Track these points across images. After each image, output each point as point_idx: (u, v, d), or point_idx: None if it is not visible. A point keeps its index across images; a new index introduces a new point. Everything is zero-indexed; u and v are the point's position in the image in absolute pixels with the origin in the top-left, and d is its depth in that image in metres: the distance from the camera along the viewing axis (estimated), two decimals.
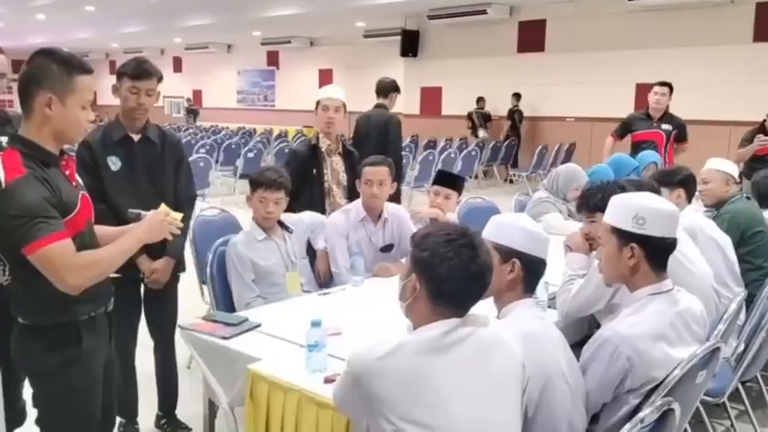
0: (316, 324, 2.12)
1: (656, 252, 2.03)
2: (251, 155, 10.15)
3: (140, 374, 3.18)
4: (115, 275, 3.02)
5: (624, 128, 6.21)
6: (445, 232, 1.68)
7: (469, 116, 14.01)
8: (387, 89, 6.14)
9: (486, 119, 13.87)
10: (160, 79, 2.96)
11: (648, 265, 2.03)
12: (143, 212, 2.19)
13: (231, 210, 4.36)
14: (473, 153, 11.35)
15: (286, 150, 8.88)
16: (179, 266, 3.13)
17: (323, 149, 3.84)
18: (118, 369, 2.43)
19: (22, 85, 1.96)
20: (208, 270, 3.21)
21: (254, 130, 16.72)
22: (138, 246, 2.12)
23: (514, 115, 13.52)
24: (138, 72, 2.87)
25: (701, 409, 2.77)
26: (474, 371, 1.59)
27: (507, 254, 1.97)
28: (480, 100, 13.99)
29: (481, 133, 13.68)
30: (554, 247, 2.98)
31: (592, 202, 2.72)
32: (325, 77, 18.51)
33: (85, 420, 2.09)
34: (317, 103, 3.86)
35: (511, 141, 13.08)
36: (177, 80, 23.67)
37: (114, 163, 2.96)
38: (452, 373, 1.56)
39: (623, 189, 2.69)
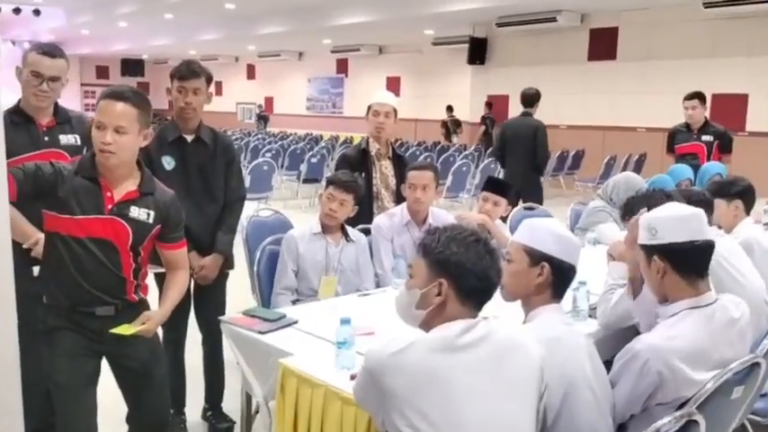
0: (345, 322, 2.14)
1: (681, 261, 1.97)
2: (314, 160, 10.32)
3: (188, 367, 3.28)
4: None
5: (669, 142, 6.06)
6: (465, 234, 1.69)
7: (444, 123, 16.26)
8: (533, 100, 6.74)
9: (457, 125, 16.19)
10: (209, 80, 3.07)
11: (678, 275, 1.98)
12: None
13: (293, 213, 4.44)
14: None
15: None
16: (227, 264, 3.23)
17: (372, 154, 3.88)
18: (159, 379, 2.49)
19: None
20: (255, 268, 3.29)
21: (321, 136, 17.00)
22: None
23: (486, 122, 15.06)
24: (184, 72, 2.99)
25: (749, 429, 2.65)
26: (489, 372, 1.59)
27: (537, 257, 1.95)
28: (450, 109, 16.23)
29: (454, 139, 16.00)
30: (603, 256, 2.95)
31: (636, 209, 2.66)
32: (393, 85, 18.63)
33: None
34: (368, 107, 3.91)
35: (479, 146, 14.09)
36: (250, 87, 24.34)
37: (168, 163, 3.07)
38: (466, 373, 1.56)
39: (669, 197, 2.63)
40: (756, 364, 1.97)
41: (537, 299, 1.95)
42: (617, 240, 2.79)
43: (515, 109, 15.20)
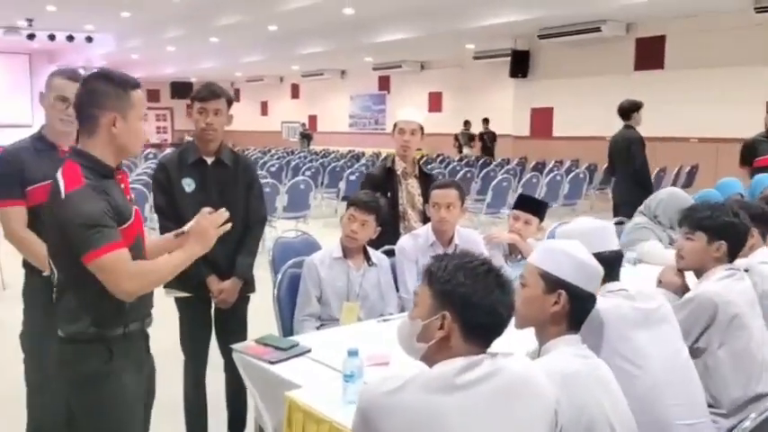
0: (352, 354, 2.03)
1: (609, 268, 2.10)
2: (353, 177, 10.28)
3: (211, 392, 3.22)
4: (186, 295, 3.07)
5: (748, 153, 5.61)
6: (476, 263, 1.56)
7: (456, 137, 16.81)
8: (627, 112, 6.61)
9: (470, 138, 16.74)
10: (230, 101, 3.04)
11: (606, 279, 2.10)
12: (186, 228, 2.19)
13: (333, 231, 4.32)
14: (581, 176, 10.89)
15: None
16: (248, 287, 3.17)
17: (398, 172, 3.78)
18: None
19: (83, 108, 2.04)
20: (275, 291, 3.20)
21: (363, 153, 17.01)
22: (191, 258, 2.08)
23: (485, 137, 16.15)
24: (204, 94, 2.97)
25: None
26: (492, 414, 1.44)
27: (553, 283, 1.80)
28: (467, 123, 16.78)
29: (465, 150, 16.53)
30: (651, 277, 2.80)
31: (697, 217, 2.51)
32: (435, 100, 18.56)
33: None
34: (394, 125, 3.82)
35: (486, 160, 14.46)
36: (294, 106, 24.59)
37: (189, 185, 3.04)
38: (465, 415, 1.42)
39: (736, 215, 2.46)
40: None
41: (552, 329, 1.80)
42: (670, 266, 2.63)
43: (559, 122, 15.07)
